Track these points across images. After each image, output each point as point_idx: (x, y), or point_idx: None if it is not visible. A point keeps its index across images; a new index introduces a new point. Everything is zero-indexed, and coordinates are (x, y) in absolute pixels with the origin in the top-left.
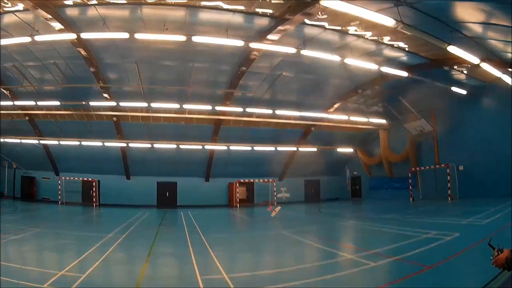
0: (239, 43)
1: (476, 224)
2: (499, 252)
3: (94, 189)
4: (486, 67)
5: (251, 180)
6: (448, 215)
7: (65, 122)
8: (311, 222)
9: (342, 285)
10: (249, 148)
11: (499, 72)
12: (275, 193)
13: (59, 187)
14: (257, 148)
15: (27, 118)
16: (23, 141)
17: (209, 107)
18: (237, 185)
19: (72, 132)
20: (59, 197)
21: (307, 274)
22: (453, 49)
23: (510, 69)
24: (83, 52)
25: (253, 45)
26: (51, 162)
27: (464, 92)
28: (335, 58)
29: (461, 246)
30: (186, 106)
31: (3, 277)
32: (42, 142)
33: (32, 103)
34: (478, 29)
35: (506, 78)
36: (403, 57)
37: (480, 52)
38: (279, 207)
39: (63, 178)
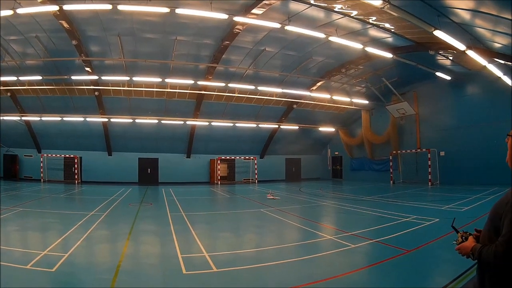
0: (223, 16)
1: (455, 210)
2: (464, 238)
3: (76, 166)
4: (472, 54)
5: (232, 157)
6: (428, 200)
7: (47, 98)
8: (292, 201)
9: (322, 266)
10: (231, 124)
11: (485, 61)
12: (256, 171)
13: (41, 164)
14: (239, 124)
15: (9, 94)
16: (5, 118)
17: (191, 81)
18: (218, 162)
19: (54, 107)
20: (42, 175)
21: (287, 254)
22: (439, 34)
23: (496, 59)
24: (65, 25)
25: (237, 18)
26: (33, 139)
27: (448, 78)
28: (320, 35)
29: (440, 232)
30: (168, 80)
31: None
32: (24, 118)
33: (14, 78)
34: (466, 15)
35: (491, 67)
36: (388, 38)
37: (467, 39)
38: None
39: (45, 155)
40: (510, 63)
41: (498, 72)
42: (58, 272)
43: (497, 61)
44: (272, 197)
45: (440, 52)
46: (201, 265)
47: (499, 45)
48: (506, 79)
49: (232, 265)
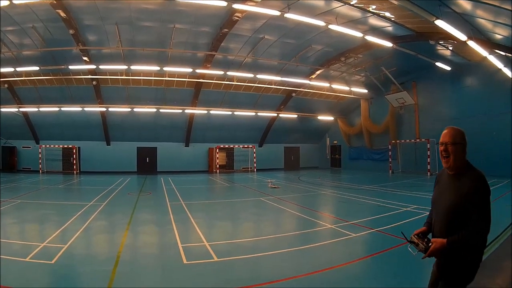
0: (222, 3)
1: None
2: (426, 243)
3: (74, 156)
4: (473, 45)
5: (231, 146)
6: (427, 190)
7: (45, 88)
8: (291, 190)
9: (323, 255)
10: (229, 113)
11: (485, 52)
12: (254, 160)
13: (40, 155)
14: (237, 113)
15: (6, 86)
16: (3, 109)
17: (189, 70)
18: (217, 150)
19: (52, 98)
20: (40, 166)
21: (288, 243)
22: (440, 24)
23: (496, 50)
24: (62, 14)
25: (236, 6)
26: (31, 131)
27: (448, 68)
28: (319, 23)
29: None
30: (166, 69)
31: None
32: (21, 109)
33: (11, 69)
34: (467, 6)
35: (492, 58)
36: (388, 27)
37: (468, 30)
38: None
39: (43, 146)
40: (511, 55)
41: (498, 64)
42: (58, 264)
43: (497, 53)
44: (273, 186)
45: (440, 42)
46: (202, 254)
47: (500, 37)
48: (506, 70)
49: (233, 255)
